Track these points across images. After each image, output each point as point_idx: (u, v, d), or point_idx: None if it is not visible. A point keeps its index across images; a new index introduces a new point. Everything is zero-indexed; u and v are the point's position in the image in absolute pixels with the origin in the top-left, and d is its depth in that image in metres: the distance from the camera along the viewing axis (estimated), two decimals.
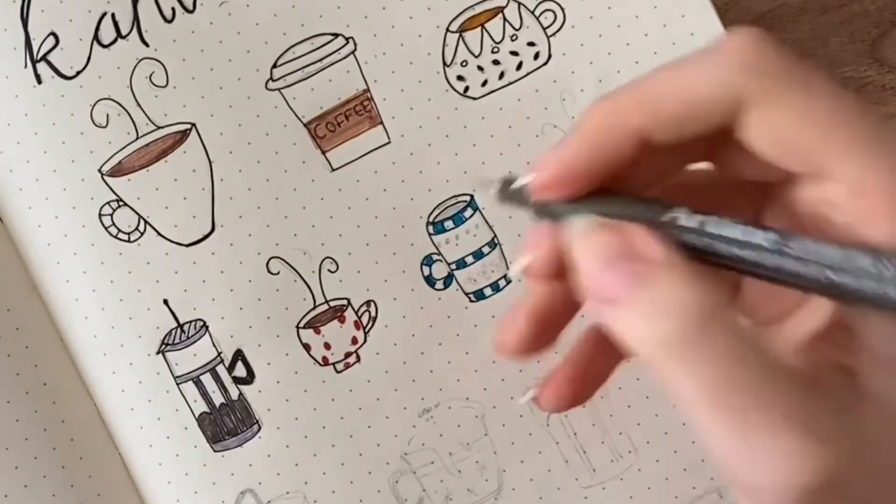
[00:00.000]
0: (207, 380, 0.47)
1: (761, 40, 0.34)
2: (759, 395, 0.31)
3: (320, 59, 0.48)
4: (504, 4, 0.48)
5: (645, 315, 0.33)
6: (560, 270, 0.36)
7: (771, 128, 0.34)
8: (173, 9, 0.48)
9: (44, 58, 0.48)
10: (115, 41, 0.48)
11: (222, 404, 0.47)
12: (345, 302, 0.48)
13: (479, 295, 0.48)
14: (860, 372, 0.33)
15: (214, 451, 0.47)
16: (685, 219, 0.33)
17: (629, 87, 0.35)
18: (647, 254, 0.33)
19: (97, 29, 0.48)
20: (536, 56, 0.48)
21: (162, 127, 0.48)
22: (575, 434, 0.47)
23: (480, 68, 0.48)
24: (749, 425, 0.31)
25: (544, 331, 0.37)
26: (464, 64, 0.48)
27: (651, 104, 0.35)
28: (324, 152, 0.48)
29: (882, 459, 0.32)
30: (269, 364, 0.47)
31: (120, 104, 0.48)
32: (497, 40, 0.48)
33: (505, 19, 0.48)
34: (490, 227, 0.48)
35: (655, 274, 0.33)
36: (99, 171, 0.48)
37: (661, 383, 0.32)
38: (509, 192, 0.35)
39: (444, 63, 0.48)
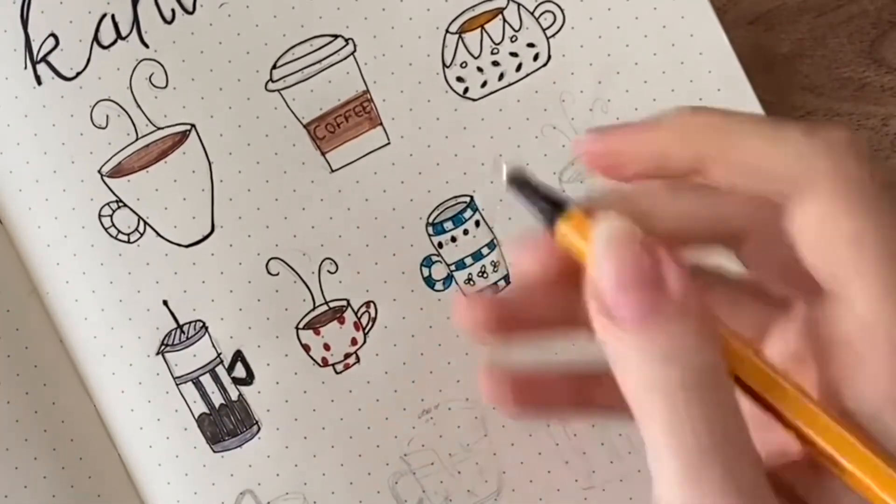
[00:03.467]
0: (207, 380, 0.47)
1: (856, 144, 0.32)
2: (722, 463, 0.31)
3: (320, 61, 0.48)
4: (504, 6, 0.48)
5: (647, 352, 0.32)
6: (554, 280, 0.34)
7: (809, 227, 0.32)
8: (173, 10, 0.48)
9: (44, 59, 0.48)
10: (114, 42, 0.48)
11: (222, 405, 0.47)
12: (344, 303, 0.48)
13: None
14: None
15: (214, 451, 0.47)
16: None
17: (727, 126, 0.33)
18: (672, 287, 0.32)
19: (97, 30, 0.48)
20: (536, 57, 0.48)
21: (162, 128, 0.48)
22: (575, 435, 0.47)
23: (480, 69, 0.48)
24: (701, 487, 0.30)
25: (507, 324, 0.35)
26: (463, 65, 0.48)
27: (734, 153, 0.33)
28: (323, 153, 0.48)
29: None
30: (268, 365, 0.47)
31: (120, 105, 0.48)
32: (496, 41, 0.48)
33: (504, 20, 0.48)
34: (489, 229, 0.48)
35: (673, 314, 0.32)
36: (99, 171, 0.48)
37: (638, 418, 0.31)
38: (521, 182, 0.33)
39: (444, 64, 0.48)
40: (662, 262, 0.32)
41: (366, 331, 0.48)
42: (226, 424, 0.47)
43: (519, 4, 0.48)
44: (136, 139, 0.48)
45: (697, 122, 0.33)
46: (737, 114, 0.34)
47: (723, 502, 0.30)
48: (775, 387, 0.32)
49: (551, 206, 0.33)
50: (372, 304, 0.48)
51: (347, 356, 0.47)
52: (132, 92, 0.48)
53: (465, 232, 0.48)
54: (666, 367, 0.31)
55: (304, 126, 0.48)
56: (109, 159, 0.48)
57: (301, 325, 0.47)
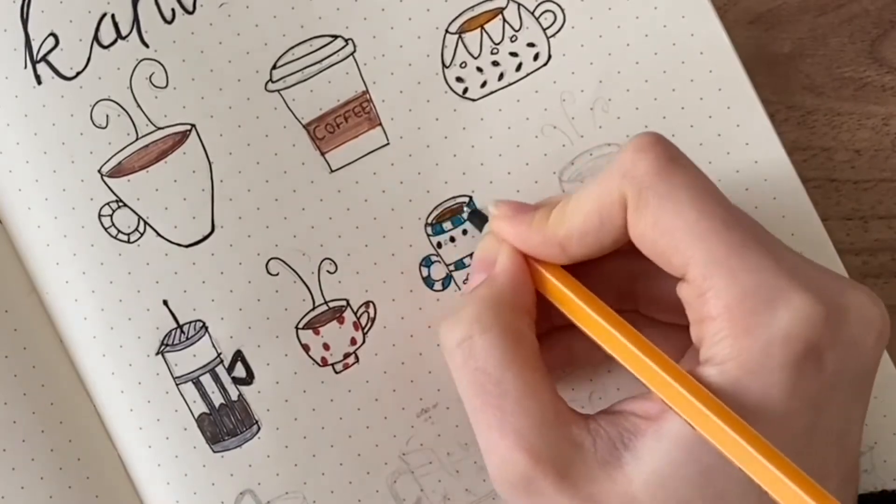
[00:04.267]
0: (207, 380, 0.47)
1: (641, 144, 0.40)
2: (496, 404, 0.40)
3: (320, 61, 0.48)
4: (504, 5, 0.48)
5: (450, 312, 0.43)
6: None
7: (639, 231, 0.39)
8: (173, 10, 0.48)
9: (44, 58, 0.48)
10: (114, 42, 0.48)
11: (222, 405, 0.47)
12: (344, 303, 0.48)
13: None
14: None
15: (214, 451, 0.47)
16: None
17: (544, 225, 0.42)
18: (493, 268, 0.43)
19: (97, 30, 0.48)
20: (536, 57, 0.48)
21: (162, 128, 0.48)
22: None
23: (480, 69, 0.48)
24: (485, 424, 0.40)
25: None
26: (463, 65, 0.48)
27: (558, 234, 0.42)
28: (323, 154, 0.48)
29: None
30: (268, 365, 0.47)
31: (120, 105, 0.48)
32: (496, 41, 0.48)
33: (504, 20, 0.48)
34: None
35: (479, 286, 0.43)
36: (98, 171, 0.48)
37: None
38: (477, 219, 0.47)
39: (444, 64, 0.48)
40: (503, 250, 0.43)
41: (365, 331, 0.48)
42: (226, 424, 0.47)
43: (519, 4, 0.48)
44: (137, 139, 0.48)
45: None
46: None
47: (489, 422, 0.40)
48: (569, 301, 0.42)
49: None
50: (371, 304, 0.48)
51: (347, 356, 0.47)
52: (132, 92, 0.48)
53: (464, 232, 0.48)
54: (458, 327, 0.41)
55: (304, 126, 0.48)
56: (109, 159, 0.48)
57: (301, 325, 0.47)
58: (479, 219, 0.47)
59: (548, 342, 0.44)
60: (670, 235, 0.39)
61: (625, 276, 0.44)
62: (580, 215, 0.41)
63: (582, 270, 0.43)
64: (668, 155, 0.39)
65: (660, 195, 0.39)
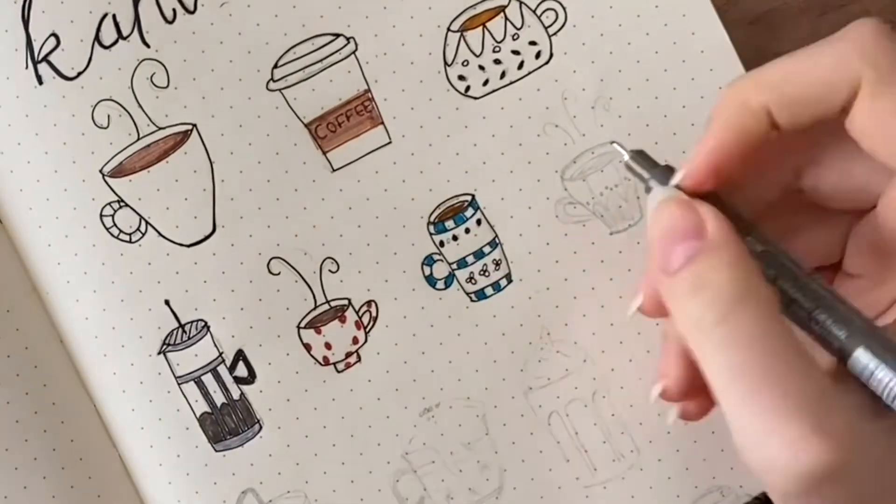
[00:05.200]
0: (209, 380, 0.47)
1: (881, 31, 0.37)
2: (775, 382, 0.34)
3: (321, 60, 0.48)
4: (505, 3, 0.48)
5: (685, 292, 0.36)
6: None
7: (876, 117, 0.37)
8: (174, 10, 0.48)
9: (45, 59, 0.48)
10: (116, 42, 0.48)
11: (223, 404, 0.47)
12: (346, 302, 0.48)
13: (481, 294, 0.48)
14: None
15: (216, 451, 0.47)
16: (754, 243, 0.38)
17: (757, 71, 0.39)
18: (707, 233, 0.37)
19: (98, 30, 0.48)
20: (538, 55, 0.48)
21: (163, 128, 0.48)
22: (576, 433, 0.47)
23: (482, 68, 0.48)
24: (761, 408, 0.34)
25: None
26: (465, 63, 0.48)
27: (777, 86, 0.38)
28: (325, 153, 0.48)
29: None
30: (270, 364, 0.47)
31: (121, 105, 0.48)
32: (498, 39, 0.48)
33: (506, 18, 0.48)
34: (491, 227, 0.48)
35: (704, 254, 0.37)
36: (100, 171, 0.48)
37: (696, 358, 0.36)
38: (637, 165, 0.41)
39: (446, 63, 0.48)
40: (701, 212, 0.37)
41: (367, 330, 0.48)
42: (227, 423, 0.47)
43: (521, 2, 0.48)
44: (138, 139, 0.48)
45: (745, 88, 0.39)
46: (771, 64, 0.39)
47: (779, 419, 0.33)
48: None
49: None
50: (373, 303, 0.48)
51: (349, 355, 0.47)
52: (133, 92, 0.48)
53: (467, 230, 0.48)
54: (704, 302, 0.35)
55: (306, 125, 0.48)
56: (111, 159, 0.48)
57: (302, 325, 0.48)
58: (642, 164, 0.41)
59: None
60: None
61: (790, 171, 0.42)
62: (804, 80, 0.38)
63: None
64: None
65: None
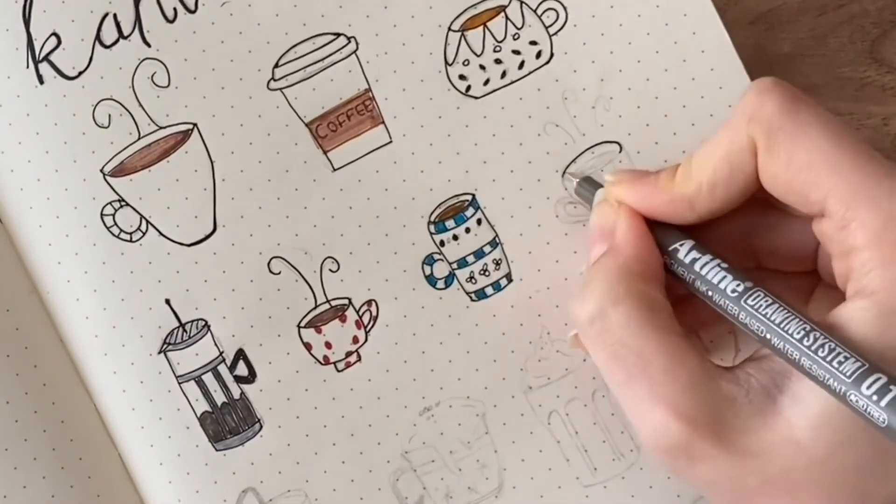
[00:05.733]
0: (209, 379, 0.47)
1: (763, 88, 0.39)
2: (642, 375, 0.39)
3: (322, 59, 0.48)
4: (506, 3, 0.49)
5: (579, 289, 0.42)
6: None
7: (772, 173, 0.39)
8: (175, 9, 0.49)
9: (46, 58, 0.48)
10: (116, 41, 0.48)
11: (224, 403, 0.47)
12: (346, 301, 0.48)
13: (481, 294, 0.48)
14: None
15: (216, 450, 0.47)
16: (681, 252, 0.41)
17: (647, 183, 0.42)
18: (613, 238, 0.42)
19: (99, 29, 0.48)
20: (538, 55, 0.48)
21: (164, 127, 0.48)
22: (576, 433, 0.47)
23: (482, 67, 0.48)
24: (632, 397, 0.40)
25: None
26: (466, 63, 0.48)
27: (691, 180, 0.41)
28: (325, 152, 0.48)
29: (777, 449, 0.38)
30: (270, 363, 0.47)
31: (122, 104, 0.48)
32: (499, 39, 0.48)
33: (507, 18, 0.48)
34: (491, 227, 0.48)
35: (602, 257, 0.42)
36: (101, 171, 0.48)
37: None
38: (581, 192, 0.46)
39: (446, 62, 0.48)
40: (620, 216, 0.42)
41: (367, 329, 0.48)
42: (228, 423, 0.47)
43: (521, 2, 0.48)
44: (139, 138, 0.48)
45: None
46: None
47: (645, 407, 0.39)
48: None
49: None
50: (373, 303, 0.48)
51: (349, 354, 0.47)
52: (134, 91, 0.48)
53: (468, 230, 0.48)
54: (588, 303, 0.41)
55: (306, 125, 0.48)
56: (111, 158, 0.48)
57: (303, 324, 0.48)
58: (587, 188, 0.46)
59: (679, 307, 0.42)
60: (807, 171, 0.38)
61: (744, 233, 0.43)
62: (709, 167, 0.40)
63: (700, 234, 0.42)
64: (791, 94, 0.39)
65: (791, 133, 0.38)
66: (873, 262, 0.37)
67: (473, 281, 0.48)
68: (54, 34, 0.48)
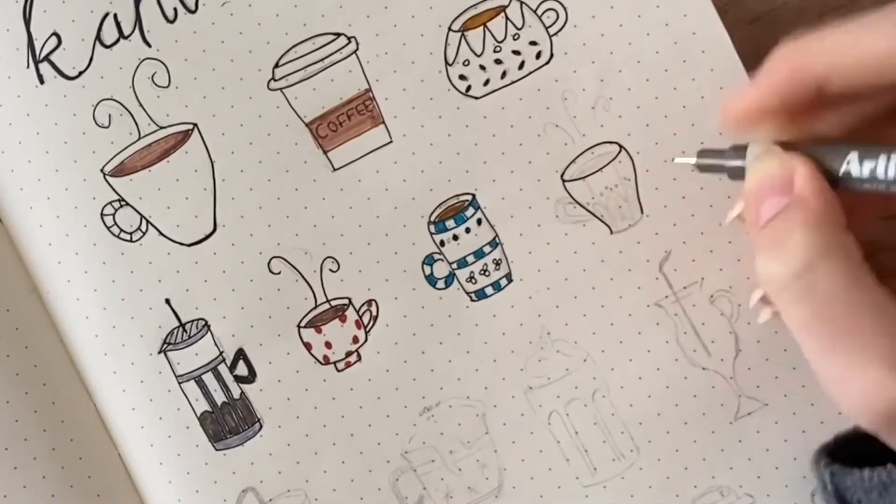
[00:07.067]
0: (209, 379, 0.47)
1: None
2: (850, 334, 0.36)
3: (322, 59, 0.48)
4: (506, 3, 0.49)
5: (766, 249, 0.39)
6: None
7: None
8: (175, 9, 0.49)
9: (46, 58, 0.48)
10: (117, 41, 0.48)
11: (224, 403, 0.47)
12: (346, 301, 0.48)
13: (481, 294, 0.48)
14: None
15: (216, 449, 0.47)
16: (854, 165, 0.39)
17: (813, 38, 0.40)
18: (794, 188, 0.39)
19: (99, 29, 0.48)
20: (538, 55, 0.48)
21: (164, 127, 0.48)
22: (576, 433, 0.47)
23: (482, 67, 0.48)
24: (839, 360, 0.37)
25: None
26: (466, 63, 0.48)
27: (834, 57, 0.39)
28: (325, 152, 0.48)
29: None
30: (270, 363, 0.47)
31: (122, 104, 0.48)
32: (499, 39, 0.48)
33: (507, 18, 0.49)
34: (491, 227, 0.48)
35: (786, 211, 0.39)
36: (101, 171, 0.48)
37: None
38: (707, 162, 0.43)
39: (447, 62, 0.48)
40: (793, 167, 0.39)
41: (367, 329, 0.48)
42: (228, 422, 0.47)
43: (522, 2, 0.48)
44: (139, 138, 0.48)
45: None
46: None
47: (857, 367, 0.36)
48: None
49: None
50: (373, 303, 0.48)
51: (349, 354, 0.48)
52: (134, 91, 0.48)
53: (468, 230, 0.48)
54: (784, 258, 0.38)
55: (307, 125, 0.48)
56: (112, 158, 0.48)
57: (303, 324, 0.48)
58: (716, 156, 0.43)
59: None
60: None
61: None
62: (862, 51, 0.38)
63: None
64: None
65: None
66: None
67: (473, 281, 0.48)
68: (55, 34, 0.48)
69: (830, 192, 0.38)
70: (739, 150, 0.41)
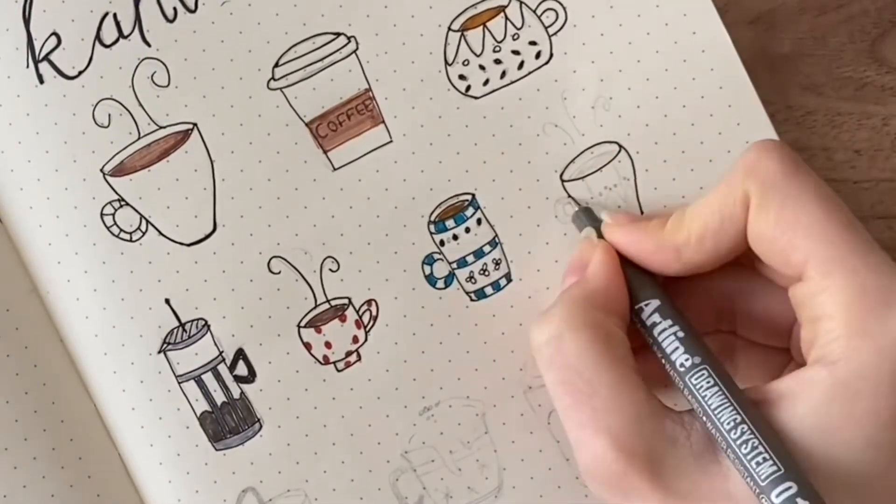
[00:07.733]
0: (209, 379, 0.47)
1: (765, 147, 0.40)
2: (588, 402, 0.40)
3: (322, 59, 0.48)
4: (506, 3, 0.49)
5: (540, 314, 0.43)
6: None
7: (760, 229, 0.40)
8: (175, 8, 0.49)
9: (46, 58, 0.48)
10: (116, 41, 0.48)
11: (224, 403, 0.47)
12: (346, 301, 0.48)
13: (480, 294, 0.48)
14: None
15: (216, 449, 0.47)
16: (645, 312, 0.42)
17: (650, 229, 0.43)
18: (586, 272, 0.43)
19: (99, 29, 0.48)
20: (538, 55, 0.48)
21: (164, 127, 0.48)
22: None
23: (482, 67, 0.48)
24: (576, 422, 0.40)
25: None
26: (465, 63, 0.48)
27: (684, 228, 0.42)
28: (325, 152, 0.48)
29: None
30: (270, 363, 0.47)
31: (122, 104, 0.48)
32: (499, 39, 0.48)
33: (507, 18, 0.48)
34: (491, 227, 0.48)
35: (568, 287, 0.43)
36: (101, 170, 0.48)
37: None
38: (579, 221, 0.47)
39: (446, 62, 0.48)
40: (598, 253, 0.43)
41: (367, 329, 0.48)
42: (228, 422, 0.47)
43: (521, 2, 0.48)
44: (138, 138, 0.48)
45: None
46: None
47: (588, 433, 0.40)
48: None
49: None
50: (373, 303, 0.48)
51: (349, 354, 0.47)
52: (134, 91, 0.48)
53: (467, 230, 0.48)
54: (538, 327, 0.42)
55: (306, 124, 0.48)
56: (111, 158, 0.48)
57: (303, 324, 0.48)
58: (583, 219, 0.47)
59: (642, 355, 0.43)
60: (792, 232, 0.39)
61: (725, 294, 0.44)
62: (700, 218, 0.41)
63: (682, 288, 0.43)
64: (793, 158, 0.40)
65: (784, 193, 0.39)
66: (839, 330, 0.37)
67: (473, 281, 0.48)
68: (54, 34, 0.48)
69: (615, 283, 0.43)
70: (584, 219, 0.46)
